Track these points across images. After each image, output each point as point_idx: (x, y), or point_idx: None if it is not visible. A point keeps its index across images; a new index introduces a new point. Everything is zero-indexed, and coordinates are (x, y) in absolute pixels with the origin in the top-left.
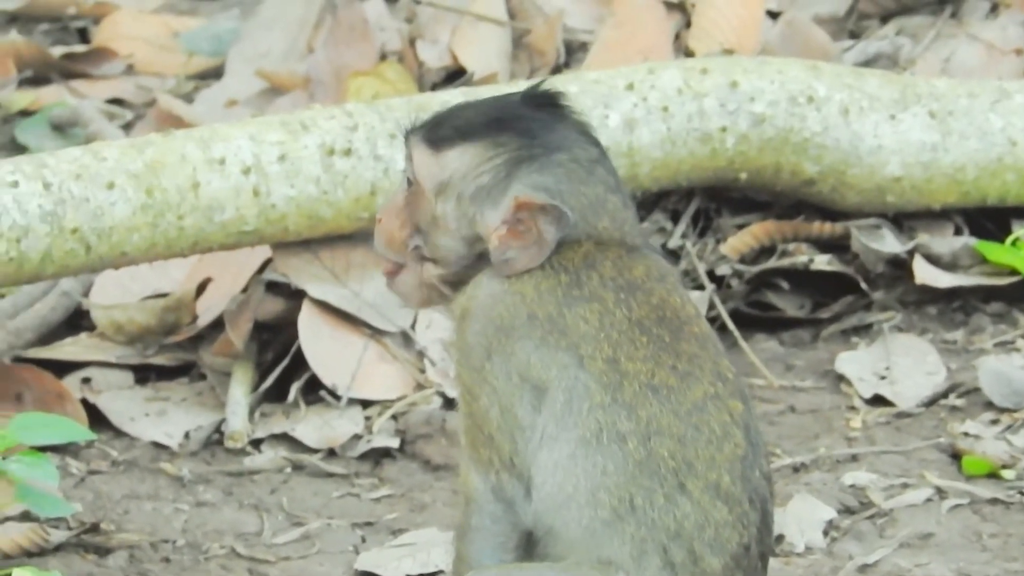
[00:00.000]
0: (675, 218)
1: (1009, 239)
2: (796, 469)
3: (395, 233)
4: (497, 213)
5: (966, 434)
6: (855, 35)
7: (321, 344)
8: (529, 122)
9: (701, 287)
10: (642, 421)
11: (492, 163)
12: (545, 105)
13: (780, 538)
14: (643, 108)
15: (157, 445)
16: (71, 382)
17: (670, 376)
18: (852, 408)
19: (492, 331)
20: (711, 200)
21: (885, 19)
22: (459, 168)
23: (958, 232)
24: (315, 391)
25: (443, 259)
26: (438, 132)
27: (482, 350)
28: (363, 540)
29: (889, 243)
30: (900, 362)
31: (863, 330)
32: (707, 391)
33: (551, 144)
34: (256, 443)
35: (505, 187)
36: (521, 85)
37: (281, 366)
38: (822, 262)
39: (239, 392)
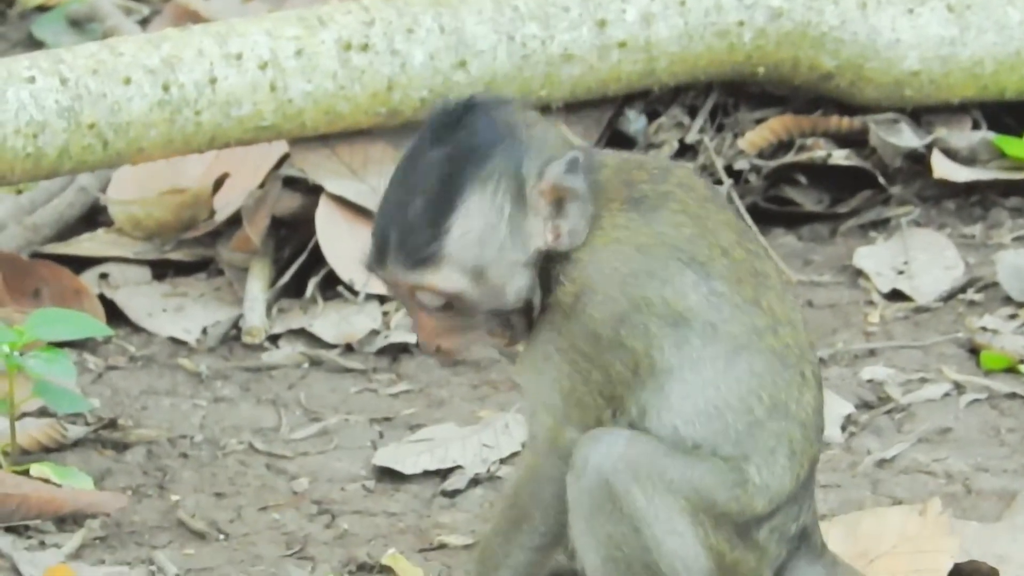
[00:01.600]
0: (693, 113)
1: None
2: None
3: (462, 344)
4: (531, 225)
5: (984, 329)
6: None
7: (339, 239)
8: (464, 146)
9: (719, 182)
10: (767, 312)
11: (488, 206)
12: (445, 124)
13: None
14: (660, 3)
15: (175, 341)
16: (89, 278)
17: (752, 256)
18: (870, 303)
19: (617, 296)
20: (729, 95)
21: None
22: (471, 245)
23: (976, 126)
24: (333, 287)
25: (518, 307)
26: (420, 247)
27: (614, 320)
28: (381, 435)
29: (907, 137)
30: (918, 257)
31: (881, 225)
32: (760, 251)
33: (493, 140)
34: (274, 339)
35: (518, 204)
36: None
37: (299, 262)
38: (840, 157)
39: (257, 288)
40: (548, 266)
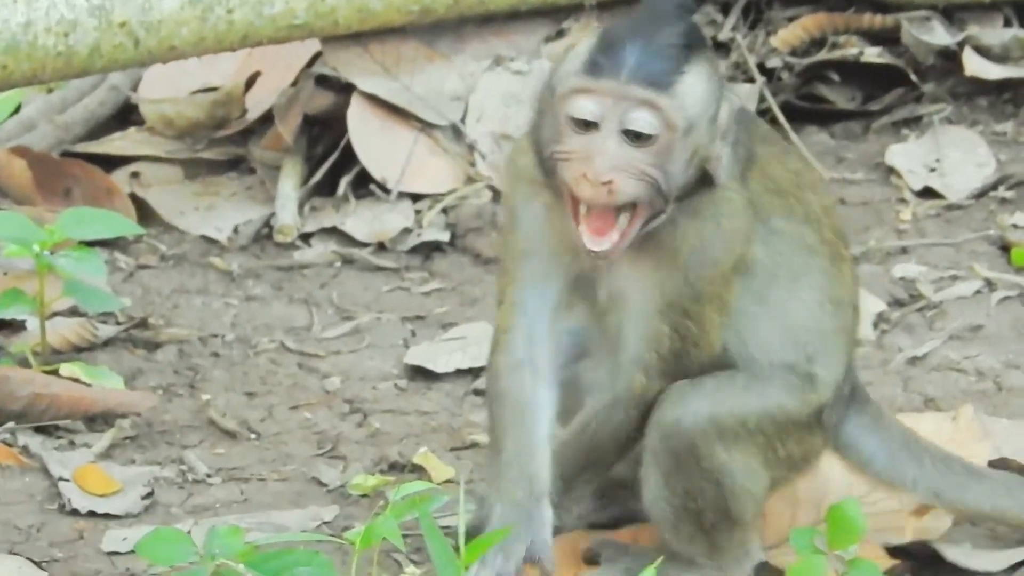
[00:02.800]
0: (725, 10)
1: None
2: None
3: (635, 190)
4: (718, 129)
5: (1016, 226)
6: None
7: (371, 138)
8: (695, 27)
9: (752, 80)
10: (814, 221)
11: (712, 82)
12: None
13: None
14: None
15: (206, 239)
16: (120, 176)
17: (790, 162)
18: (902, 200)
19: (726, 259)
20: None
21: None
22: (696, 100)
23: (1008, 23)
24: (364, 185)
25: (675, 194)
26: (664, 72)
27: (720, 277)
28: (413, 334)
29: (939, 35)
30: (950, 154)
31: (913, 122)
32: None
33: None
34: (305, 237)
35: (718, 103)
36: None
37: (331, 160)
38: (873, 54)
39: (288, 186)
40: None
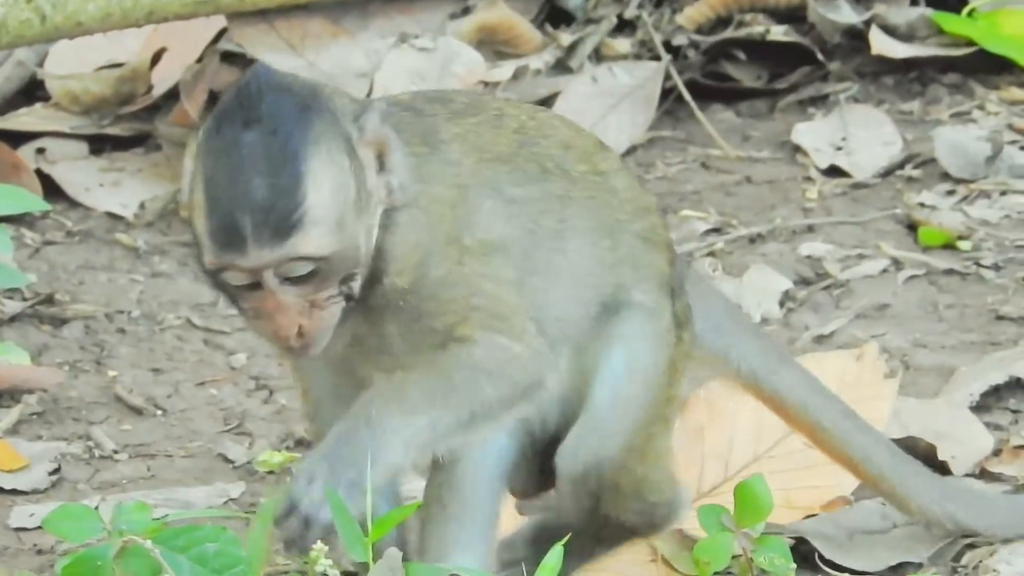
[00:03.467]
0: None
1: (965, 10)
2: (752, 240)
3: (329, 319)
4: (370, 181)
5: (922, 205)
6: None
7: None
8: (278, 118)
9: (657, 58)
10: (558, 174)
11: (330, 165)
12: (245, 106)
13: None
14: None
15: (112, 215)
16: (26, 152)
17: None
18: (808, 179)
19: (453, 249)
20: None
21: None
22: (329, 205)
23: (914, 2)
24: None
25: (362, 272)
26: (283, 220)
27: (447, 267)
28: None
29: (846, 13)
30: (856, 133)
31: (820, 101)
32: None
33: (302, 108)
34: None
35: (353, 160)
36: None
37: None
38: (778, 33)
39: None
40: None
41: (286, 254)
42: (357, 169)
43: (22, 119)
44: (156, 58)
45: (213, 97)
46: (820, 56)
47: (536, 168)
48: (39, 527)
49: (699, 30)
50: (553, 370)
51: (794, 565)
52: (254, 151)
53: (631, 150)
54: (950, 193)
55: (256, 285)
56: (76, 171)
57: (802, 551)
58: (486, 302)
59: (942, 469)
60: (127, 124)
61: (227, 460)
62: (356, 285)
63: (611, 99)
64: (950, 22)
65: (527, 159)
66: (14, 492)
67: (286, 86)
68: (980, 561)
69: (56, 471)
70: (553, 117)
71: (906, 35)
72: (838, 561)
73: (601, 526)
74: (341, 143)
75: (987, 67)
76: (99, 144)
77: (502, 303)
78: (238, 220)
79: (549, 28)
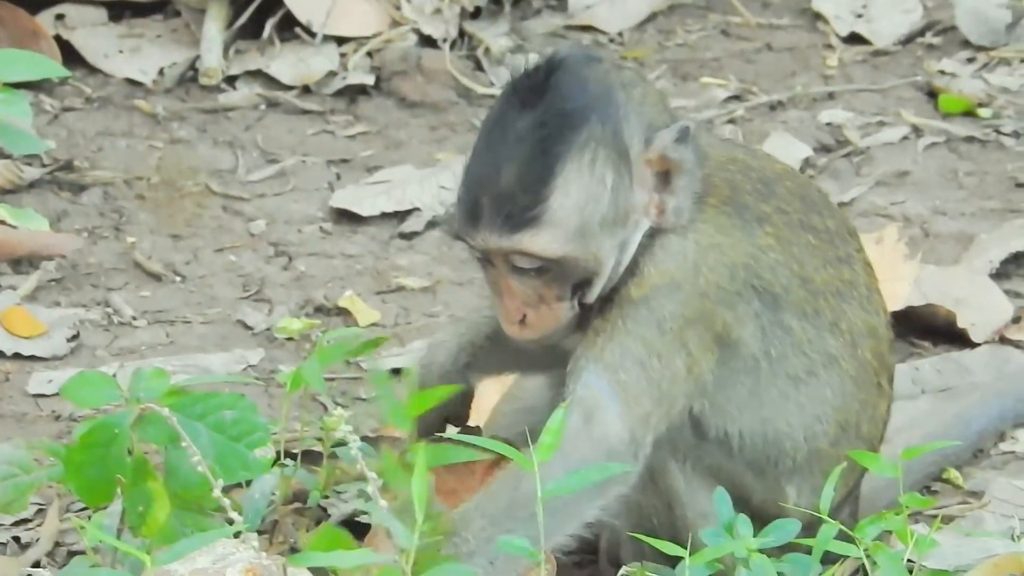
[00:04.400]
0: None
1: None
2: (773, 107)
3: (551, 319)
4: (635, 196)
5: (943, 72)
6: None
7: None
8: (555, 111)
9: None
10: (845, 333)
11: (588, 173)
12: (531, 87)
13: None
14: None
15: (131, 82)
16: (45, 19)
17: (841, 269)
18: (829, 46)
19: (694, 301)
20: None
21: None
22: (572, 211)
23: None
24: (290, 28)
25: (602, 282)
26: (519, 212)
27: (683, 320)
28: (338, 177)
29: None
30: (877, 0)
31: None
32: (858, 258)
33: (586, 104)
34: (231, 80)
35: (621, 173)
36: None
37: (256, 2)
38: None
39: (214, 28)
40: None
41: (512, 246)
42: (622, 183)
43: None
44: None
45: None
46: None
47: (828, 320)
48: (57, 394)
49: None
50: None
51: None
52: (519, 136)
53: (651, 17)
54: (970, 60)
55: (489, 261)
56: (95, 37)
57: None
58: (650, 372)
59: (961, 337)
60: None
61: (246, 326)
62: (593, 293)
63: None
64: None
65: (826, 303)
66: (32, 358)
67: (581, 79)
68: None
69: (74, 337)
70: (872, 280)
71: None
72: None
73: None
74: (611, 154)
75: None
76: (118, 10)
77: (657, 385)
78: (479, 199)
79: None
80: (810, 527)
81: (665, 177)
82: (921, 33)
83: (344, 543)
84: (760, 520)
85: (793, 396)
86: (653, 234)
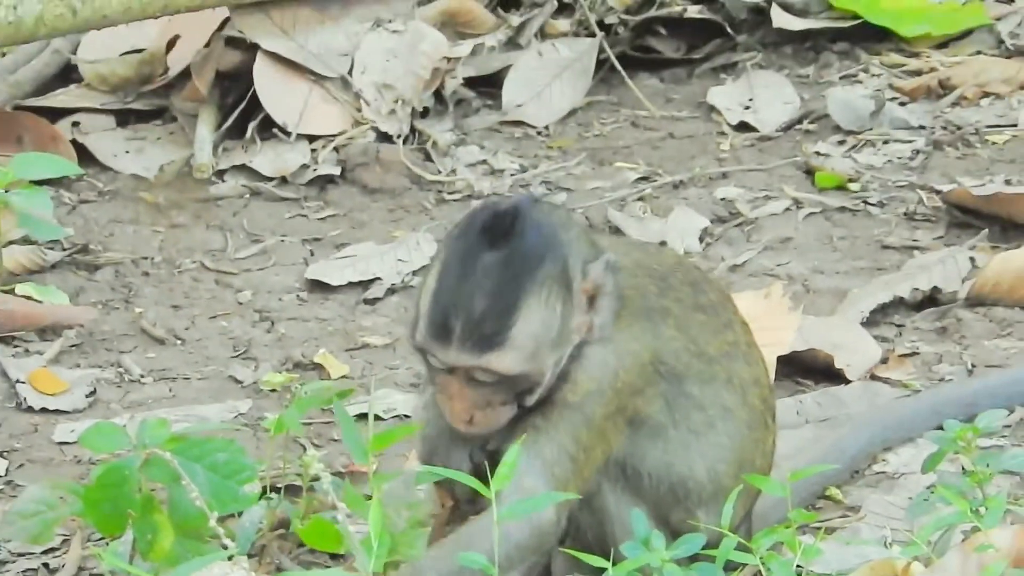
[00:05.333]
0: None
1: None
2: (676, 186)
3: (497, 418)
4: (575, 319)
5: (818, 153)
6: None
7: (273, 89)
8: (519, 253)
9: (592, 34)
10: (736, 387)
11: (544, 305)
12: (499, 231)
13: (663, 243)
14: None
15: (136, 177)
16: (63, 126)
17: (726, 333)
18: (722, 133)
19: (611, 398)
20: None
21: None
22: (531, 337)
23: None
24: (269, 129)
25: (541, 389)
26: (488, 337)
27: (603, 418)
28: (312, 253)
29: None
30: (761, 94)
31: (730, 68)
32: (736, 320)
33: (543, 247)
34: (220, 173)
35: (567, 302)
36: None
37: (239, 108)
38: (694, 11)
39: (205, 131)
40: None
41: (479, 364)
42: (567, 310)
43: (59, 98)
44: (171, 44)
45: (219, 76)
46: (729, 30)
47: (723, 379)
48: (77, 442)
49: (627, 10)
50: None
51: None
52: (487, 272)
53: (572, 112)
54: (841, 143)
55: (448, 371)
56: (105, 140)
57: None
58: (577, 464)
59: (838, 376)
60: (147, 100)
61: (236, 381)
62: (533, 398)
63: (554, 70)
64: None
65: (719, 367)
66: (57, 412)
67: (537, 224)
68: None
69: (92, 394)
70: (749, 336)
71: (802, 11)
72: None
73: None
74: (561, 289)
75: (870, 36)
76: (124, 117)
77: (581, 472)
78: (451, 323)
79: (501, 11)
80: (717, 543)
81: (592, 300)
82: (799, 121)
83: (332, 532)
84: (679, 536)
85: (695, 446)
86: (580, 345)
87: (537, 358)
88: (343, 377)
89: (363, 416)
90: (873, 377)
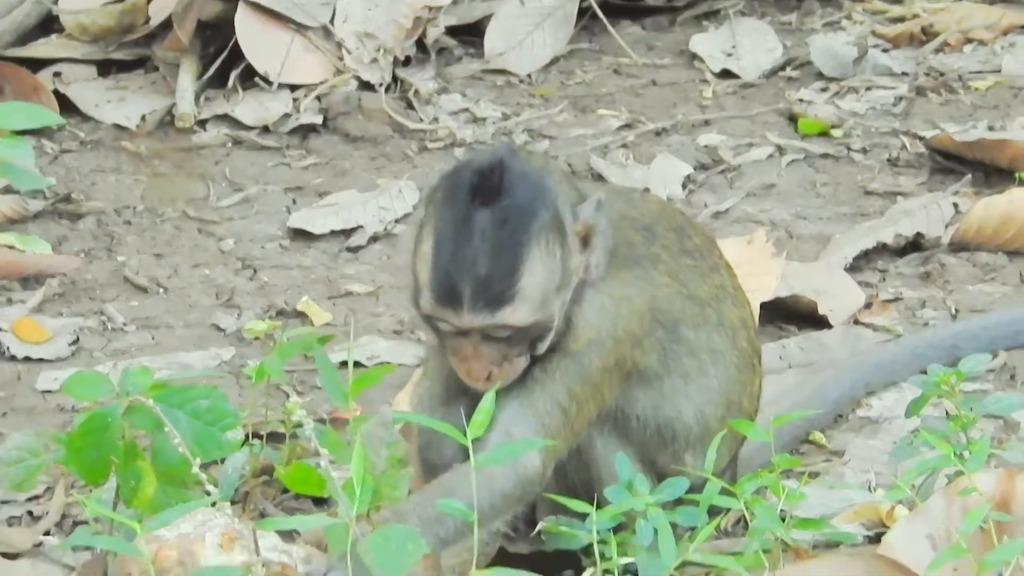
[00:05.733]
0: None
1: None
2: (658, 133)
3: (514, 369)
4: (573, 262)
5: (801, 100)
6: None
7: (255, 38)
8: (512, 208)
9: None
10: (727, 329)
11: (546, 254)
12: (488, 189)
13: (646, 190)
14: None
15: (118, 127)
16: (44, 76)
17: (713, 277)
18: (704, 81)
19: (610, 348)
20: None
21: None
22: (538, 286)
23: None
24: (251, 78)
25: (551, 335)
26: (498, 294)
27: (602, 369)
28: (294, 202)
29: None
30: (744, 41)
31: (712, 15)
32: (721, 264)
33: (534, 198)
34: (202, 123)
35: (563, 246)
36: None
37: (221, 58)
38: None
39: (187, 80)
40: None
41: (494, 322)
42: (566, 253)
43: (41, 48)
44: None
45: (201, 25)
46: None
47: (714, 322)
48: (60, 390)
49: None
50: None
51: None
52: (484, 232)
53: (554, 61)
54: (824, 90)
55: (461, 334)
56: (87, 90)
57: None
58: (569, 417)
59: (822, 322)
60: (129, 50)
61: (219, 329)
62: (544, 345)
63: (536, 18)
64: None
65: (710, 309)
66: (40, 360)
67: (523, 176)
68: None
69: (75, 342)
70: (735, 280)
71: None
72: None
73: None
74: (557, 234)
75: None
76: (106, 67)
77: (571, 426)
78: (460, 287)
79: None
80: (703, 487)
81: (586, 240)
82: (782, 68)
83: (315, 478)
84: (664, 480)
85: (684, 390)
86: (579, 288)
87: (546, 305)
88: (326, 325)
89: (346, 364)
90: (857, 322)
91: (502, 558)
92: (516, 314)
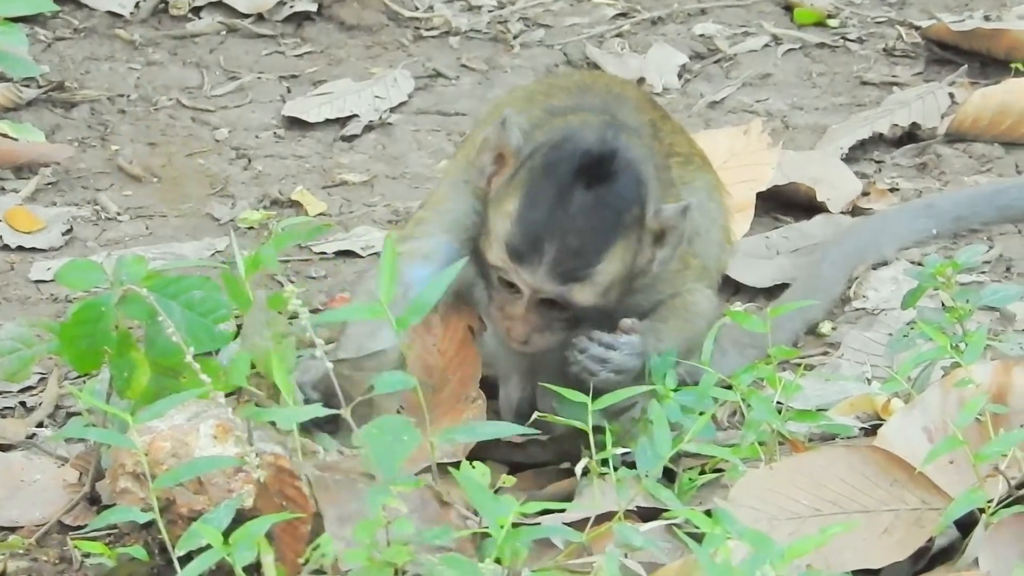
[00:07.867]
0: None
1: None
2: (654, 22)
3: (551, 340)
4: (642, 251)
5: None
6: None
7: None
8: (613, 195)
9: None
10: (709, 167)
11: (627, 246)
12: (596, 172)
13: (641, 80)
14: None
15: (112, 14)
16: None
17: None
18: None
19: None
20: None
21: None
22: (611, 274)
23: None
24: None
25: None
26: (575, 270)
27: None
28: (288, 91)
29: None
30: None
31: None
32: (694, 152)
33: (635, 193)
34: (196, 10)
35: (640, 237)
36: None
37: None
38: None
39: None
40: None
41: (560, 293)
42: (640, 248)
43: None
44: None
45: None
46: None
47: (698, 161)
48: (54, 279)
49: None
50: None
51: None
52: (583, 210)
53: None
54: None
55: (517, 290)
56: None
57: None
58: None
59: (820, 208)
60: None
61: (214, 218)
62: (586, 325)
63: None
64: None
65: (698, 155)
66: (33, 250)
67: (629, 166)
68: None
69: (68, 231)
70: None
71: None
72: None
73: None
74: (639, 229)
75: None
76: None
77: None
78: (544, 250)
79: None
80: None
81: (659, 237)
82: None
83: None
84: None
85: (710, 236)
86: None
87: (609, 293)
88: (320, 214)
89: (342, 253)
90: (855, 210)
91: (496, 449)
92: (582, 293)
